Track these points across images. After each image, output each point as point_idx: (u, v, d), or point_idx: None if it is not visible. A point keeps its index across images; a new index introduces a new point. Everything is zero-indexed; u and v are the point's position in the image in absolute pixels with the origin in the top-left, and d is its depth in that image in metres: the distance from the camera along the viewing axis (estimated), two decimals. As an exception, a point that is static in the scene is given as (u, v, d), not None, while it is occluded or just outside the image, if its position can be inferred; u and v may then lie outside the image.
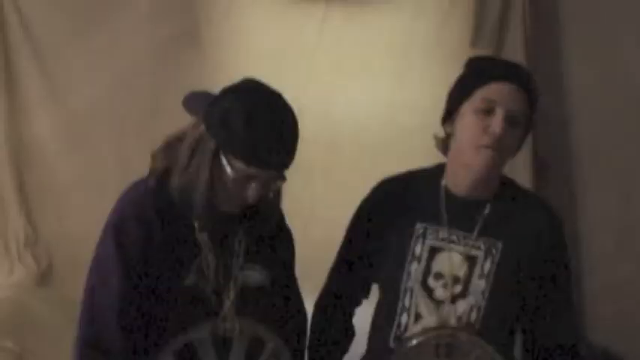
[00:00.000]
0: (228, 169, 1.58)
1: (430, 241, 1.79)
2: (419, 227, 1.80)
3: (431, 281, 1.79)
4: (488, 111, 1.70)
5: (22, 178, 3.24)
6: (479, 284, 1.76)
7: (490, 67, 1.76)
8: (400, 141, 3.07)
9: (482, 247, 1.77)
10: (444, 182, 1.82)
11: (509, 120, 1.69)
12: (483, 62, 1.82)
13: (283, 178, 1.64)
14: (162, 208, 1.62)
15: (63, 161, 3.24)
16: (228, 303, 1.63)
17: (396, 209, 1.83)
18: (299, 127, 1.65)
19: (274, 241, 1.77)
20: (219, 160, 1.58)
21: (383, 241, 1.84)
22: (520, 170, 3.01)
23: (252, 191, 1.60)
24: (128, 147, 3.16)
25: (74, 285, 3.17)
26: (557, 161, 3.12)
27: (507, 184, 1.84)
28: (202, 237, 1.63)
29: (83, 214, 3.18)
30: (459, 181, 1.79)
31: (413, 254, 1.80)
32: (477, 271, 1.77)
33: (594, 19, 3.03)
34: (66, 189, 3.22)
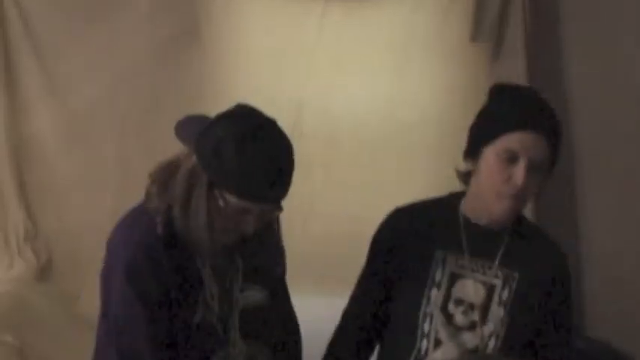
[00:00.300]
0: (221, 202, 1.52)
1: (450, 268, 1.80)
2: (439, 254, 1.81)
3: (451, 307, 1.80)
4: (510, 159, 1.68)
5: (22, 174, 3.24)
6: (498, 312, 1.78)
7: (515, 112, 1.71)
8: (399, 136, 3.07)
9: (501, 275, 1.80)
10: (462, 211, 1.83)
11: (532, 168, 1.68)
12: (509, 102, 1.74)
13: (280, 209, 1.59)
14: (170, 247, 1.58)
15: (63, 158, 3.24)
16: (233, 329, 1.64)
17: (412, 237, 1.83)
18: (294, 155, 1.57)
19: (270, 259, 1.77)
20: (214, 192, 1.53)
21: (401, 269, 1.83)
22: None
23: (247, 224, 1.55)
24: (128, 145, 3.16)
25: (73, 280, 3.21)
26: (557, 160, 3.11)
27: (519, 216, 1.85)
28: (206, 270, 1.62)
29: (83, 210, 3.19)
30: (478, 213, 1.80)
31: (433, 280, 1.80)
32: (496, 299, 1.79)
33: (595, 17, 3.02)
34: (66, 186, 3.23)
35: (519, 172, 1.66)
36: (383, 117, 3.09)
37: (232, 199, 1.50)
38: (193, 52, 3.08)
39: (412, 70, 3.08)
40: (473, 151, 1.76)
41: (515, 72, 3.00)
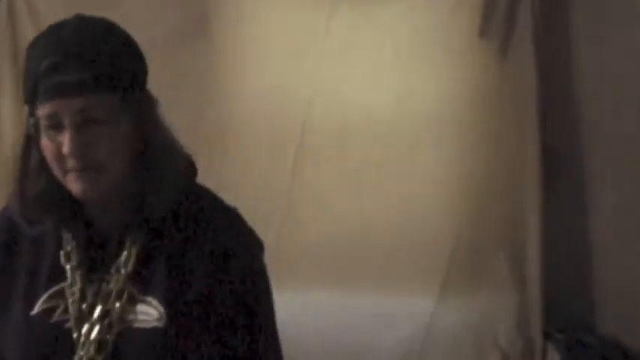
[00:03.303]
0: (40, 131, 1.18)
1: None
2: None
3: None
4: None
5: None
6: None
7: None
8: (410, 130, 3.05)
9: None
10: None
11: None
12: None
13: (91, 101, 1.16)
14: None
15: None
16: (90, 340, 1.13)
17: None
18: (109, 34, 1.23)
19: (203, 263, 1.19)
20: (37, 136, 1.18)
21: None
22: (529, 164, 3.01)
23: (65, 139, 1.14)
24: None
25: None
26: (568, 154, 3.09)
27: None
28: (65, 254, 1.17)
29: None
30: None
31: None
32: None
33: (605, 12, 3.00)
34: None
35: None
36: (393, 111, 3.08)
37: (37, 112, 1.17)
38: (201, 44, 3.06)
39: (421, 65, 3.07)
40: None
41: (524, 68, 2.99)
